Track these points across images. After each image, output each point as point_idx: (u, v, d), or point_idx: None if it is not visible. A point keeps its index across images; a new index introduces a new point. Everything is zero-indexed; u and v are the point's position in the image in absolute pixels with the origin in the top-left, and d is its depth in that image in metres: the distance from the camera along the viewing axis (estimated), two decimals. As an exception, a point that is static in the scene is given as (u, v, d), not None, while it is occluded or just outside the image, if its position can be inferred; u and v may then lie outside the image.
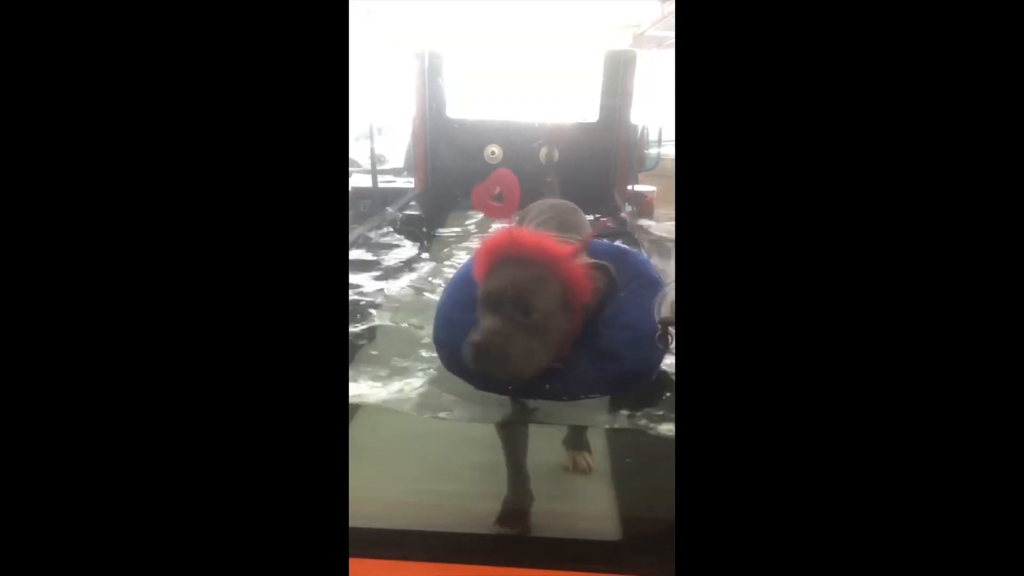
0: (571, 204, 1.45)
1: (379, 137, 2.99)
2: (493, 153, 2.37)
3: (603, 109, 2.32)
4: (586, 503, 0.96)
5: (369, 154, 2.82)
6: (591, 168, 2.36)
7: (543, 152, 2.35)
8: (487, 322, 0.78)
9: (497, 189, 0.92)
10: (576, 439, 0.95)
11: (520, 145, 2.36)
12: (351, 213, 2.49)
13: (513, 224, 0.86)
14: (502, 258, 0.83)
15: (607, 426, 0.90)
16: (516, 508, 0.90)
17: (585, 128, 2.36)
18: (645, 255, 1.04)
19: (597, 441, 1.06)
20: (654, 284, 0.94)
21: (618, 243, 1.10)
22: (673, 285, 0.91)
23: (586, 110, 2.35)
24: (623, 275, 0.96)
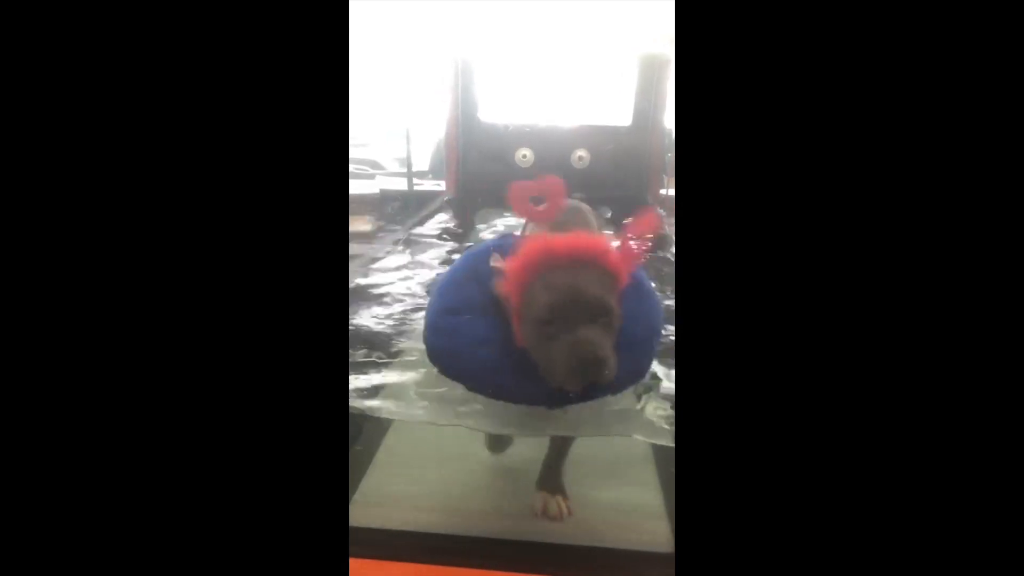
0: (575, 203, 1.41)
1: (405, 140, 3.01)
2: (524, 156, 2.36)
3: (636, 113, 2.30)
4: (639, 513, 0.94)
5: (397, 157, 2.83)
6: (623, 172, 2.34)
7: (575, 155, 2.34)
8: (581, 335, 0.75)
9: (539, 193, 0.89)
10: (550, 479, 0.92)
11: (551, 148, 2.35)
12: (380, 214, 2.49)
13: (541, 230, 0.84)
14: (541, 270, 0.80)
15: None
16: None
17: (618, 132, 2.34)
18: None
19: (643, 449, 1.05)
20: (640, 285, 0.92)
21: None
22: None
23: (620, 114, 2.33)
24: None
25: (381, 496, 0.98)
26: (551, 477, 0.92)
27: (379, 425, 1.11)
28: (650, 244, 0.89)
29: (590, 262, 0.80)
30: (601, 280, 0.79)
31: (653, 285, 0.99)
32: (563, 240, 0.81)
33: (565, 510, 0.89)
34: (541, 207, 0.89)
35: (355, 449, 1.10)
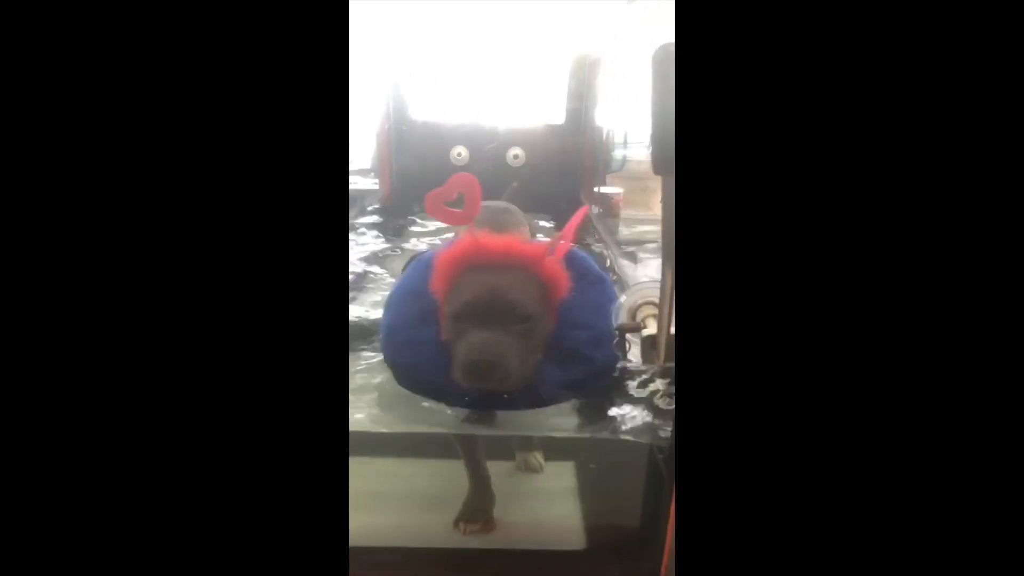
0: (504, 204, 1.41)
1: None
2: (460, 155, 2.34)
3: (569, 111, 2.32)
4: (549, 511, 0.95)
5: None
6: (557, 170, 2.36)
7: (510, 154, 2.34)
8: (480, 335, 0.74)
9: (456, 194, 0.87)
10: (525, 439, 1.00)
11: (487, 146, 2.34)
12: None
13: (472, 230, 0.83)
14: (469, 267, 0.80)
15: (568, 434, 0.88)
16: (480, 507, 0.90)
17: (551, 130, 2.36)
18: (584, 253, 1.02)
19: (557, 446, 1.05)
20: (600, 282, 0.93)
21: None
22: (635, 290, 0.91)
23: (552, 111, 2.35)
24: (571, 274, 0.95)
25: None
26: (526, 440, 1.01)
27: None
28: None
29: (520, 267, 0.80)
30: (527, 285, 0.79)
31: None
32: (496, 241, 0.81)
33: (542, 462, 0.99)
34: (459, 209, 0.88)
35: None
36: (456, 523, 0.89)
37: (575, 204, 2.27)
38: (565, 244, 0.90)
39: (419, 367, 0.85)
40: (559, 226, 2.07)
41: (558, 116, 2.35)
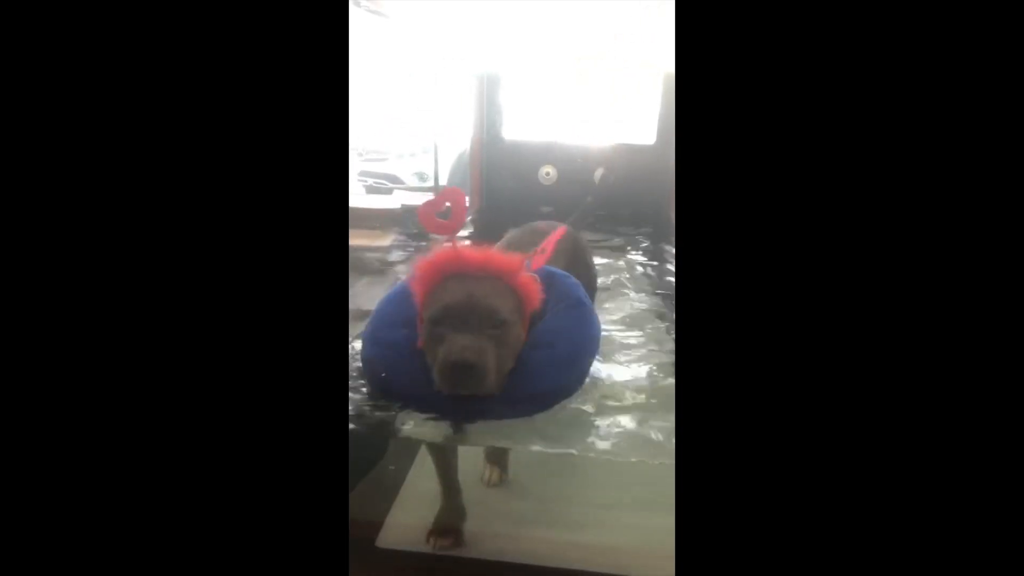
0: (533, 225, 1.39)
1: (425, 155, 3.02)
2: (548, 174, 2.37)
3: (660, 131, 2.31)
4: (655, 538, 0.93)
5: (416, 171, 2.85)
6: (645, 189, 2.35)
7: (598, 173, 2.34)
8: (461, 339, 0.77)
9: (445, 205, 0.91)
10: (496, 451, 1.03)
11: (575, 165, 2.36)
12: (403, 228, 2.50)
13: (455, 241, 0.87)
14: (447, 275, 0.84)
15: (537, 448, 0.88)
16: (449, 524, 0.93)
17: (641, 150, 2.35)
18: (573, 280, 1.03)
19: (659, 472, 1.03)
20: (577, 307, 0.96)
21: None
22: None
23: (643, 132, 2.35)
24: (549, 297, 0.97)
25: (411, 517, 0.98)
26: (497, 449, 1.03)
27: (408, 442, 1.11)
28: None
29: (496, 276, 0.84)
30: (502, 293, 0.82)
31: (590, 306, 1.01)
32: (475, 252, 0.85)
33: (496, 478, 1.03)
34: (444, 220, 0.91)
35: (388, 468, 1.10)
36: (428, 538, 0.91)
37: (663, 223, 2.25)
38: (541, 257, 0.95)
39: (393, 368, 0.88)
40: (644, 246, 2.06)
41: (648, 136, 2.34)
